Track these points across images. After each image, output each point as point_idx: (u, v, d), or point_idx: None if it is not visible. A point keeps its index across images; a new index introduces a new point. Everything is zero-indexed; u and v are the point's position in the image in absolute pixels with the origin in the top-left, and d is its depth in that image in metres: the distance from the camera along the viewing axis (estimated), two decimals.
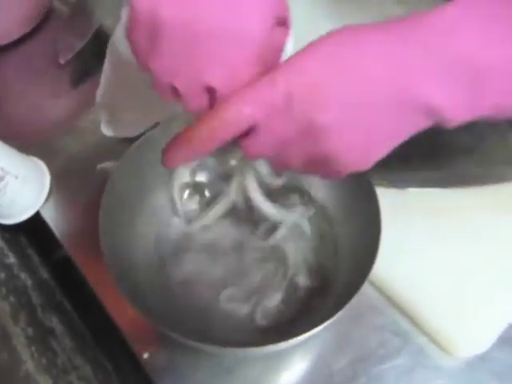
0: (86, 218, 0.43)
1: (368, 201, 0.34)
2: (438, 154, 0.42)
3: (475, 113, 0.26)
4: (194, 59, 0.27)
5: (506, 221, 0.40)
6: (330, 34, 0.26)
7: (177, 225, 0.41)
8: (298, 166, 0.28)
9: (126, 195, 0.37)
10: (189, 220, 0.41)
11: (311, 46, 0.26)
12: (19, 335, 0.34)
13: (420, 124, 0.27)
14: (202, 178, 0.42)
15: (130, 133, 0.46)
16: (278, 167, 0.30)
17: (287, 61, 0.26)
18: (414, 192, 0.42)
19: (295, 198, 0.40)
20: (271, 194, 0.38)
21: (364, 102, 0.25)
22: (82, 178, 0.45)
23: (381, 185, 0.39)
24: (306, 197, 0.40)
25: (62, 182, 0.46)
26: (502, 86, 0.25)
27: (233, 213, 0.40)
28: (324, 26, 0.27)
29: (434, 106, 0.25)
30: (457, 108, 0.25)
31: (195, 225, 0.41)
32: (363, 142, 0.27)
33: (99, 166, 0.43)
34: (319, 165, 0.28)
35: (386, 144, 0.27)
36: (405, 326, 0.37)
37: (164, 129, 0.38)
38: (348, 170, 0.28)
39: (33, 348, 0.34)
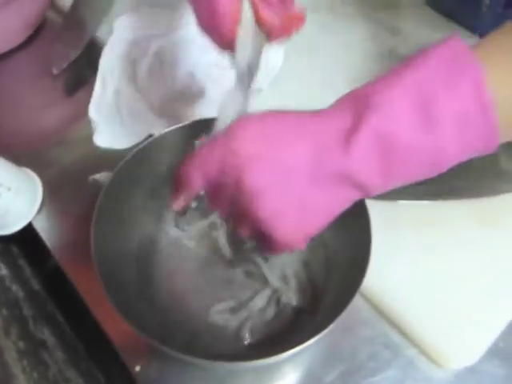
0: (77, 230, 0.43)
1: (359, 215, 0.34)
2: None
3: (388, 183, 0.28)
4: None
5: (495, 233, 0.41)
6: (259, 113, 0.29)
7: (168, 237, 0.41)
8: (243, 229, 0.30)
9: (118, 207, 0.37)
10: (181, 230, 0.41)
11: (243, 119, 0.28)
12: (11, 349, 0.34)
13: (351, 196, 0.28)
14: None
15: (123, 144, 0.47)
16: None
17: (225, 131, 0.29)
18: (404, 204, 0.42)
19: None
20: None
21: (287, 172, 0.27)
22: (75, 189, 0.45)
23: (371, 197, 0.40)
24: None
25: (54, 193, 0.46)
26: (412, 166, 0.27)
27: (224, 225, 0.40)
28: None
29: (357, 179, 0.27)
30: (374, 179, 0.27)
31: (186, 235, 0.41)
32: (293, 213, 0.28)
33: (91, 178, 0.43)
34: (257, 232, 0.29)
35: (318, 217, 0.28)
36: (395, 339, 0.37)
37: (156, 142, 0.38)
38: (282, 240, 0.29)
39: (24, 362, 0.34)
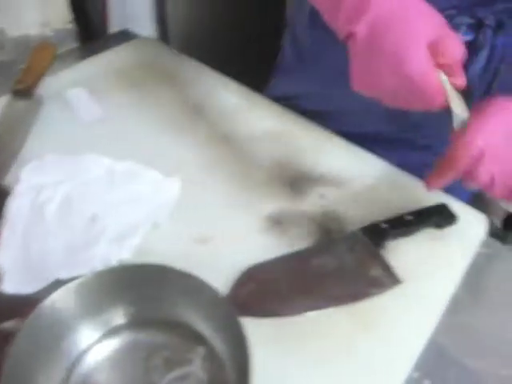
0: None
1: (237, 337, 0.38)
2: (306, 279, 0.50)
3: None
4: None
5: (373, 334, 0.47)
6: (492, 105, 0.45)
7: None
8: None
9: (28, 360, 0.38)
10: None
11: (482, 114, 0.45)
12: None
13: None
14: None
15: (30, 288, 0.49)
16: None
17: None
18: (290, 320, 0.47)
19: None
20: None
21: None
22: None
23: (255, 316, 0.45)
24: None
25: None
26: None
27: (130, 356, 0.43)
28: None
29: None
30: None
31: None
32: None
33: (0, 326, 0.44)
34: None
35: None
36: None
37: (67, 291, 0.41)
38: None
39: None
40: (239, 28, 1.24)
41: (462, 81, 0.44)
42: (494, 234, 1.27)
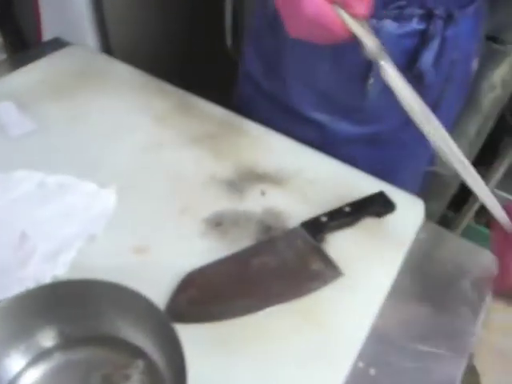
0: None
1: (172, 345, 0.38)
2: (247, 280, 0.49)
3: None
4: None
5: (319, 328, 0.47)
6: None
7: None
8: None
9: None
10: None
11: None
12: None
13: None
14: None
15: None
16: None
17: None
18: (233, 322, 0.47)
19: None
20: None
21: None
22: None
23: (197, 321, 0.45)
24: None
25: None
26: None
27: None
28: None
29: None
30: None
31: None
32: None
33: None
34: None
35: None
36: None
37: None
38: None
39: None
40: (184, 35, 1.22)
41: (359, 9, 0.46)
42: (443, 219, 1.30)
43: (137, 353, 0.42)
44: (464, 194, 1.19)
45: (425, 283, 0.55)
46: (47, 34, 0.98)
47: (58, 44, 0.87)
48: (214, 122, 0.70)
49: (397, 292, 0.52)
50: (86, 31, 1.10)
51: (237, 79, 0.81)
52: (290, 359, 0.45)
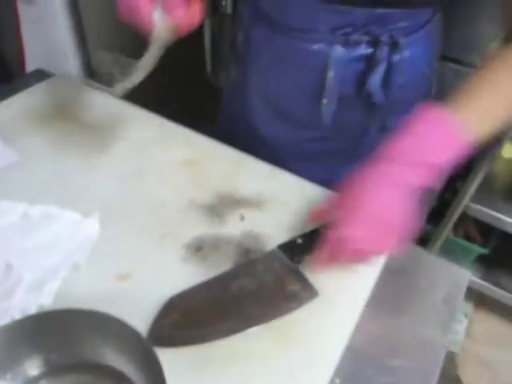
0: None
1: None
2: (226, 303, 0.51)
3: None
4: None
5: (293, 348, 0.49)
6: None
7: None
8: None
9: None
10: None
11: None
12: None
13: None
14: None
15: None
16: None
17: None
18: (213, 345, 0.48)
19: None
20: None
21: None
22: None
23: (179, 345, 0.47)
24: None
25: None
26: None
27: None
28: None
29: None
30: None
31: None
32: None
33: None
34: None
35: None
36: None
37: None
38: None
39: None
40: (164, 62, 1.25)
41: (175, 15, 0.55)
42: (422, 232, 1.33)
43: (120, 378, 0.43)
44: (442, 207, 1.22)
45: (398, 298, 0.57)
46: (31, 64, 1.01)
47: (40, 75, 0.89)
48: (193, 149, 0.72)
49: (372, 307, 0.54)
50: (68, 60, 1.12)
51: (217, 104, 0.84)
52: (270, 379, 0.47)
